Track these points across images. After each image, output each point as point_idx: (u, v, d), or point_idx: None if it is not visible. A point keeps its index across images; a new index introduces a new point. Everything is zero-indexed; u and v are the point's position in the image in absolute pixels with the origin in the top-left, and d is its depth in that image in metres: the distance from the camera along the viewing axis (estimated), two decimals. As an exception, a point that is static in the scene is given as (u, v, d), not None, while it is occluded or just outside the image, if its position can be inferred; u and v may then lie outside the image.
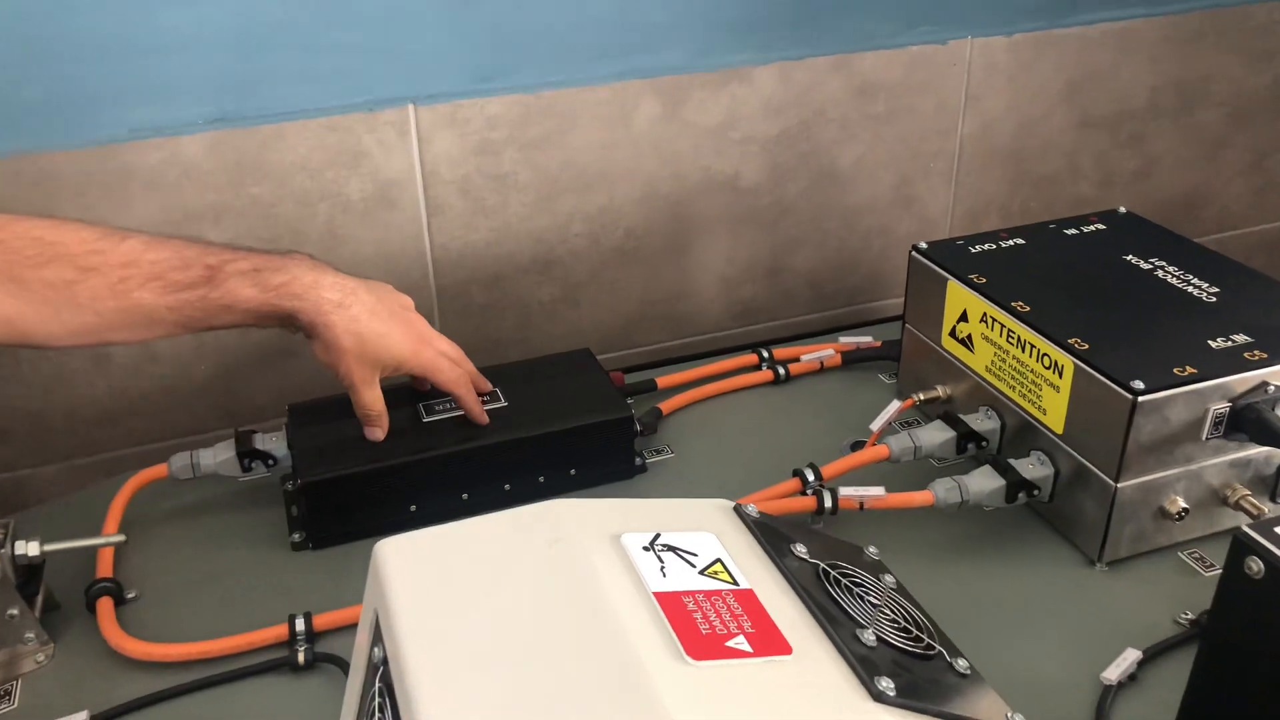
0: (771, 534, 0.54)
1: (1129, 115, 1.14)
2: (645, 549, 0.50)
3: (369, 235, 0.92)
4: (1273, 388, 0.68)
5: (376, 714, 0.46)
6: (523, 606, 0.46)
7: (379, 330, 0.72)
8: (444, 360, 0.76)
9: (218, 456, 0.76)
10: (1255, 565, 0.51)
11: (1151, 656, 0.63)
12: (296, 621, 0.65)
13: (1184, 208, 1.22)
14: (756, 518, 0.56)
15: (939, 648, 0.51)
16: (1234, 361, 0.68)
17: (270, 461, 0.76)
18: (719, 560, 0.51)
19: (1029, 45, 1.06)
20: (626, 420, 0.78)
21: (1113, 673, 0.62)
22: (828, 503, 0.73)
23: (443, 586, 0.47)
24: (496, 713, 0.41)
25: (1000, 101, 1.08)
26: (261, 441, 0.77)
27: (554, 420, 0.77)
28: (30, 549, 0.64)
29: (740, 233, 1.05)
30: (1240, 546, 0.51)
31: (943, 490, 0.72)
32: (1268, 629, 0.51)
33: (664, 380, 0.92)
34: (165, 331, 0.67)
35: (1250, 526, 0.51)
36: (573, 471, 0.78)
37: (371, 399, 0.73)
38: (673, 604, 0.47)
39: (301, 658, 0.63)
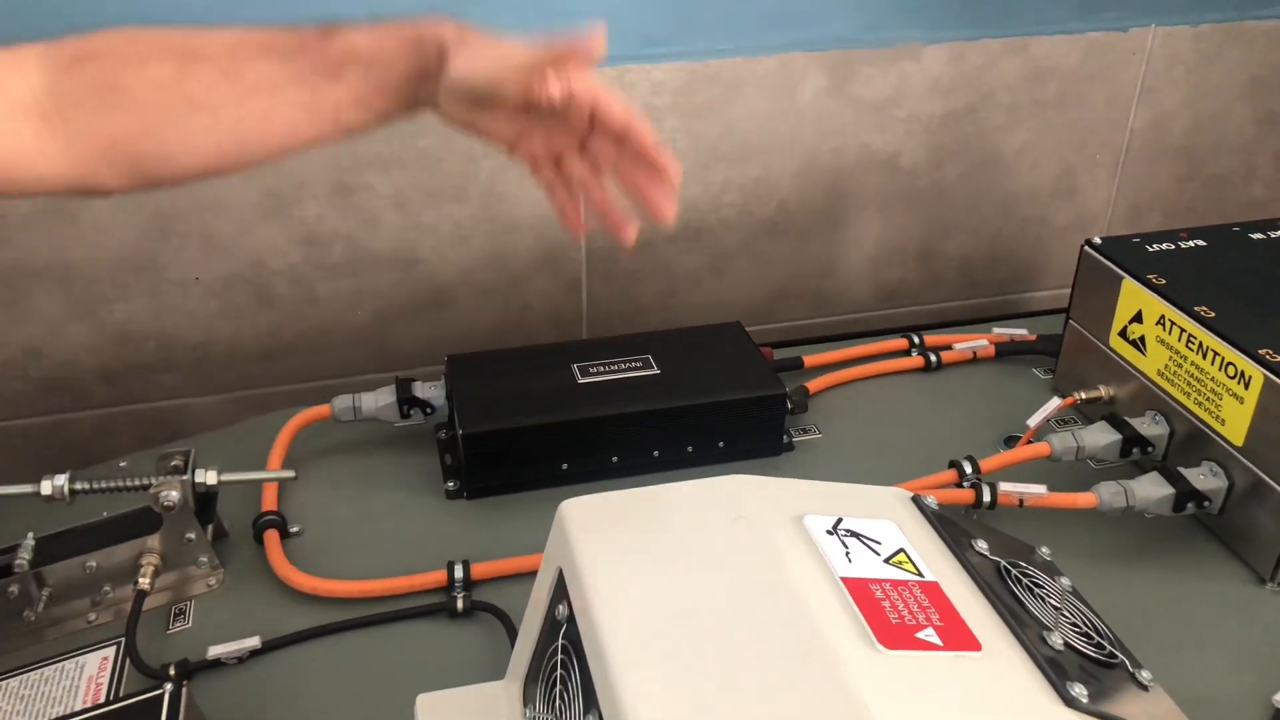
0: (951, 527, 0.53)
1: (1315, 115, 1.08)
2: (829, 532, 0.50)
3: (527, 195, 0.93)
4: None
5: (559, 670, 0.47)
6: (710, 578, 0.46)
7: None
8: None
9: (379, 401, 0.78)
10: None
11: (1327, 685, 0.61)
12: (455, 569, 0.67)
13: (1363, 216, 1.16)
14: (936, 510, 0.55)
15: (1121, 656, 0.50)
16: None
17: (428, 410, 0.78)
18: (902, 550, 0.50)
19: (1214, 36, 1.01)
20: (779, 397, 0.78)
21: (1286, 698, 0.60)
22: (986, 497, 0.71)
23: (630, 550, 0.48)
24: (689, 686, 0.41)
25: (1177, 95, 1.04)
26: (421, 390, 0.78)
27: (707, 392, 0.77)
28: (209, 478, 0.67)
29: (894, 213, 1.03)
30: None
31: (1108, 493, 0.69)
32: None
33: (811, 359, 0.91)
34: (288, 123, 0.54)
35: None
36: (721, 444, 0.78)
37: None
38: (861, 590, 0.46)
39: (460, 604, 0.65)
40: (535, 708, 0.50)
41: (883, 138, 0.99)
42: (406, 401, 0.78)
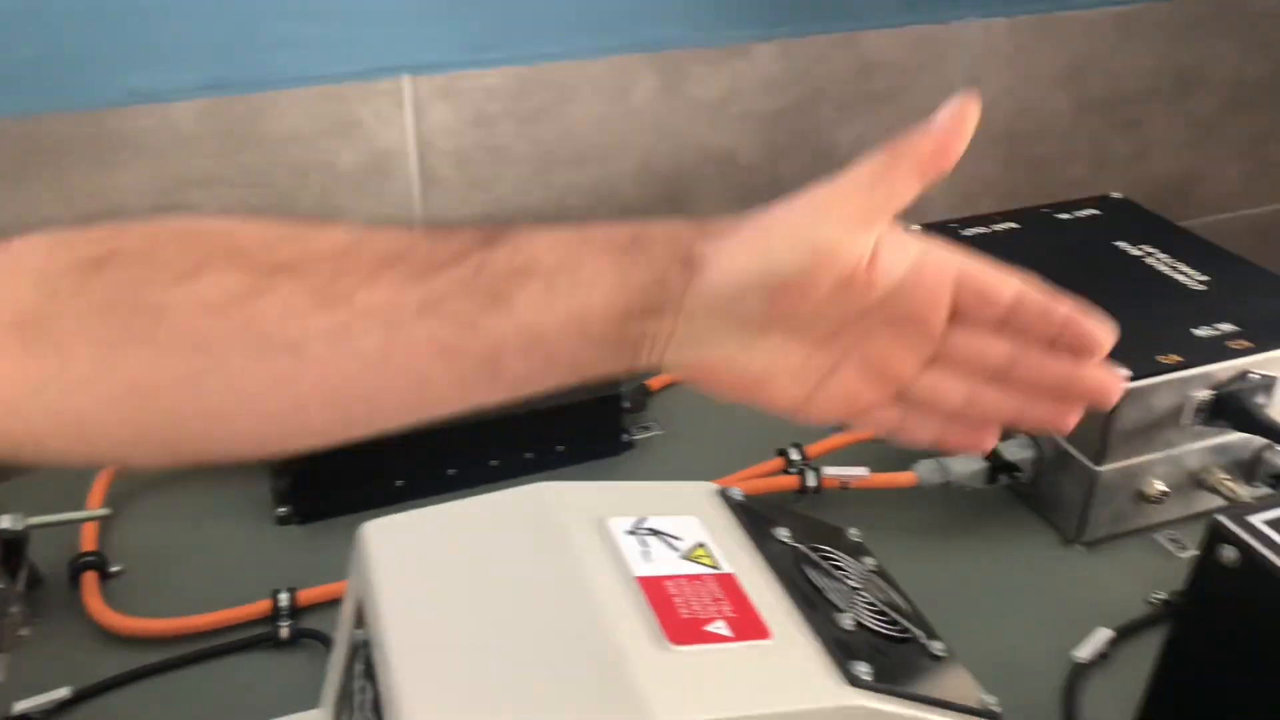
0: (755, 517, 0.55)
1: (1126, 99, 1.14)
2: (629, 533, 0.51)
3: (361, 206, 0.92)
4: (1255, 376, 0.68)
5: (357, 695, 0.47)
6: (505, 591, 0.47)
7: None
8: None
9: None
10: (1230, 554, 0.51)
11: (1123, 635, 0.64)
12: (280, 597, 0.65)
13: (1178, 191, 1.22)
14: (740, 501, 0.56)
15: (915, 631, 0.52)
16: (1218, 350, 0.68)
17: (259, 432, 0.77)
18: (702, 544, 0.51)
19: (1030, 28, 1.06)
20: (614, 398, 0.79)
21: (1084, 651, 0.63)
22: (811, 482, 0.73)
23: (425, 570, 0.48)
24: (473, 698, 0.41)
25: (999, 83, 1.08)
26: (251, 412, 0.77)
27: (541, 397, 0.77)
28: (13, 523, 0.65)
29: (736, 209, 1.05)
30: (1215, 534, 0.52)
31: (925, 471, 0.72)
32: (1238, 616, 0.52)
33: (654, 357, 0.92)
34: (416, 377, 0.36)
35: (1226, 515, 0.52)
36: (560, 448, 0.78)
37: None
38: (655, 588, 0.47)
39: (284, 633, 0.64)
40: (342, 731, 0.50)
41: (719, 136, 1.00)
42: (236, 425, 0.76)
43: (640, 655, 0.43)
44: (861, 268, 0.37)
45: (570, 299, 0.36)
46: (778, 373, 0.40)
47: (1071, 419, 0.40)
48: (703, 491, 0.57)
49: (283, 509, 0.75)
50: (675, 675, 0.43)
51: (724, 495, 0.56)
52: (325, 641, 0.63)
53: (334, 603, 0.66)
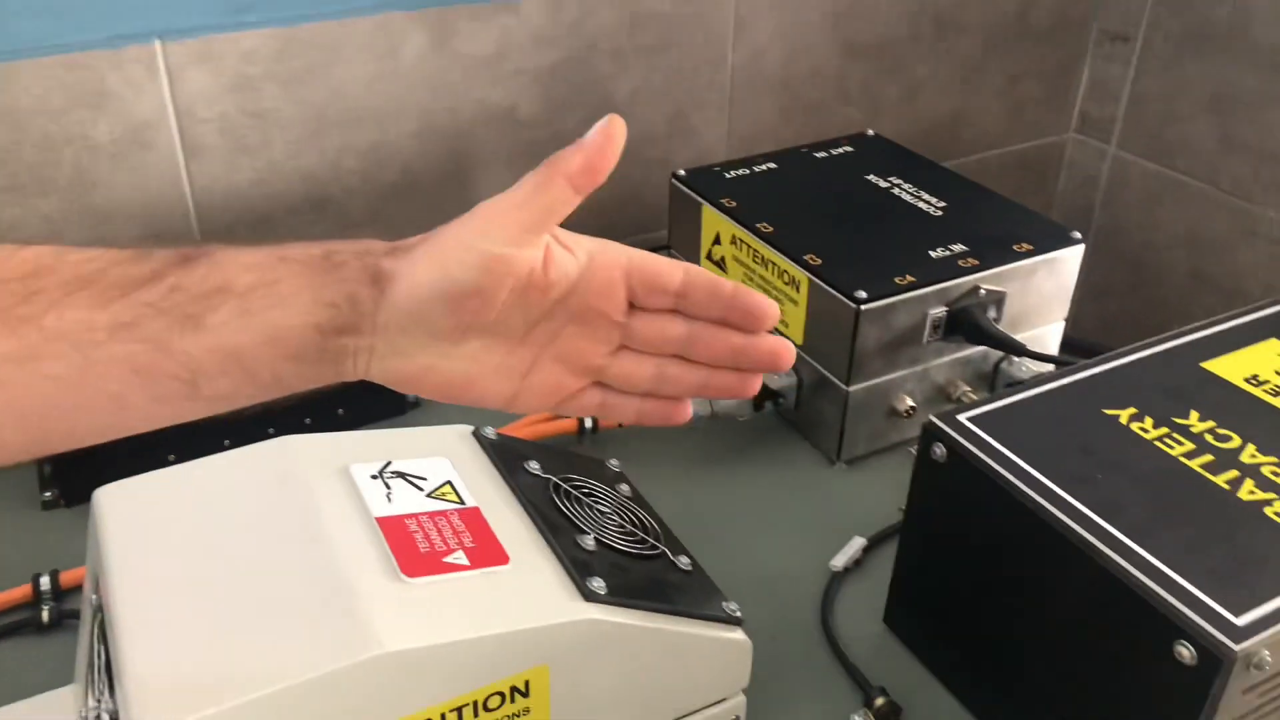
0: (507, 454, 0.57)
1: (890, 43, 1.19)
2: (373, 477, 0.52)
3: (123, 180, 0.88)
4: (984, 291, 0.74)
5: (94, 660, 0.47)
6: (240, 541, 0.47)
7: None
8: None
9: (-42, 416, 0.73)
10: (939, 450, 0.56)
11: (875, 543, 0.69)
12: (41, 580, 0.64)
13: (946, 130, 1.29)
14: (493, 440, 0.58)
15: (662, 548, 0.55)
16: (950, 269, 0.74)
17: (18, 418, 0.74)
18: (448, 482, 0.53)
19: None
20: (393, 356, 0.79)
21: (839, 560, 0.68)
22: (588, 423, 0.75)
23: (159, 528, 0.48)
24: (200, 648, 0.42)
25: (767, 30, 1.12)
26: (6, 398, 0.74)
27: (318, 359, 0.77)
28: None
29: (522, 165, 1.03)
30: (928, 435, 0.57)
31: (694, 403, 0.75)
32: (951, 506, 0.57)
33: (441, 315, 0.92)
34: (108, 398, 0.37)
35: (937, 416, 0.57)
36: (340, 411, 0.78)
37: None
38: (394, 528, 0.48)
39: (46, 616, 0.62)
40: (86, 702, 0.49)
41: (496, 92, 1.01)
42: (-9, 412, 0.73)
43: (372, 589, 0.44)
44: (536, 273, 0.41)
45: (265, 317, 0.37)
46: (482, 374, 0.42)
47: (753, 385, 0.45)
48: (456, 433, 0.58)
49: (48, 493, 0.72)
50: (407, 605, 0.44)
51: (477, 435, 0.58)
52: (87, 620, 0.62)
53: (99, 581, 0.64)
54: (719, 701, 0.54)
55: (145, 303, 0.36)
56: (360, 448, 0.54)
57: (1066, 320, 0.81)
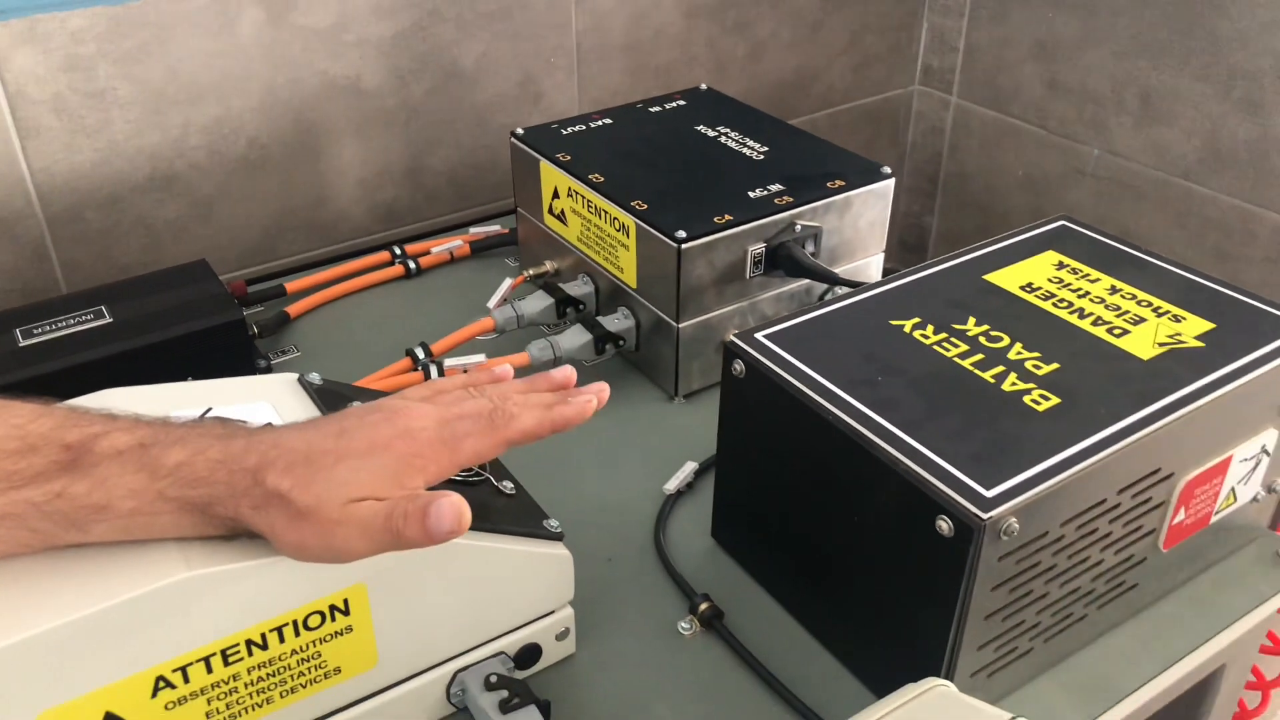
0: (331, 397, 0.59)
1: (731, 3, 1.24)
2: (194, 422, 0.53)
3: (-46, 163, 0.88)
4: (799, 227, 0.79)
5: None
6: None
7: (325, 524, 0.43)
8: (470, 439, 0.48)
9: None
10: (738, 366, 0.60)
11: (706, 468, 0.74)
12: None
13: (794, 87, 1.34)
14: (319, 384, 0.60)
15: (486, 474, 0.58)
16: (767, 207, 0.78)
17: None
18: (268, 424, 0.55)
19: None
20: (237, 323, 0.80)
21: (672, 484, 0.72)
22: (434, 375, 0.78)
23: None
24: (14, 585, 0.43)
25: (609, -6, 1.15)
26: None
27: (159, 330, 0.78)
28: None
29: (371, 136, 1.07)
30: (728, 352, 0.61)
31: (537, 350, 0.79)
32: (753, 419, 0.62)
33: (294, 285, 0.94)
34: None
35: (736, 334, 0.61)
36: (190, 378, 0.79)
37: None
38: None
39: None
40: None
41: (339, 64, 1.02)
42: None
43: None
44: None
45: (146, 534, 0.44)
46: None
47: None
48: (283, 380, 0.60)
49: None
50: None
51: (302, 381, 0.60)
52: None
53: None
54: (547, 614, 0.58)
55: (30, 502, 0.42)
56: (182, 396, 0.56)
57: (885, 252, 0.86)
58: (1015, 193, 1.39)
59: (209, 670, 0.46)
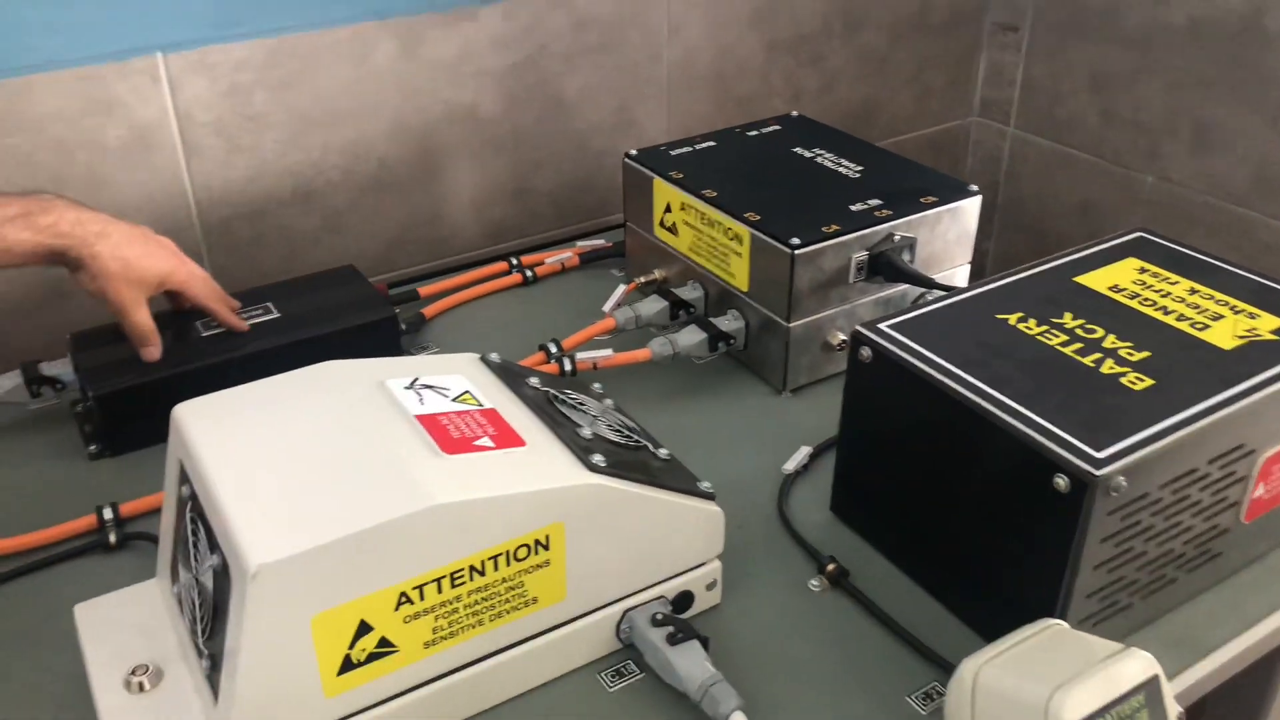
0: (511, 374, 0.68)
1: (807, 38, 1.33)
2: (406, 388, 0.62)
3: (130, 179, 0.97)
4: (898, 237, 0.87)
5: (190, 538, 0.57)
6: (306, 434, 0.58)
7: (139, 252, 0.79)
8: (196, 278, 0.84)
9: (4, 385, 0.82)
10: (865, 352, 0.69)
11: (819, 452, 0.81)
12: (105, 510, 0.73)
13: (862, 117, 1.44)
14: (499, 362, 0.69)
15: (645, 442, 0.67)
16: (868, 219, 0.87)
17: (59, 385, 0.83)
18: (467, 391, 0.64)
19: (718, -20, 1.23)
20: (391, 319, 0.89)
21: (790, 464, 0.80)
22: (567, 366, 0.87)
23: (237, 427, 0.58)
24: (290, 509, 0.52)
25: (699, 31, 1.25)
26: (48, 368, 0.83)
27: (324, 324, 0.87)
28: None
29: (485, 159, 1.17)
30: (856, 340, 0.69)
31: (658, 346, 0.87)
32: (877, 399, 0.70)
33: (425, 290, 1.03)
34: None
35: (863, 325, 0.69)
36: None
37: (142, 318, 0.81)
38: (430, 422, 0.59)
39: (112, 538, 0.71)
40: (179, 580, 0.59)
41: (460, 93, 1.12)
42: (35, 380, 0.82)
43: (420, 463, 0.55)
44: None
45: (21, 265, 0.77)
46: None
47: None
48: (467, 358, 0.69)
49: (93, 446, 0.81)
50: (449, 472, 0.55)
51: (484, 359, 0.69)
52: (153, 539, 0.71)
53: (156, 511, 0.74)
54: (699, 565, 0.66)
55: None
56: (391, 368, 0.64)
57: (970, 264, 0.95)
58: (1070, 218, 1.47)
59: (439, 590, 0.54)
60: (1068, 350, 0.67)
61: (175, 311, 0.86)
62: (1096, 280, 0.75)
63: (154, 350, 0.81)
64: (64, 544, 0.72)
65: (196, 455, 0.55)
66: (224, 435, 0.57)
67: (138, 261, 0.79)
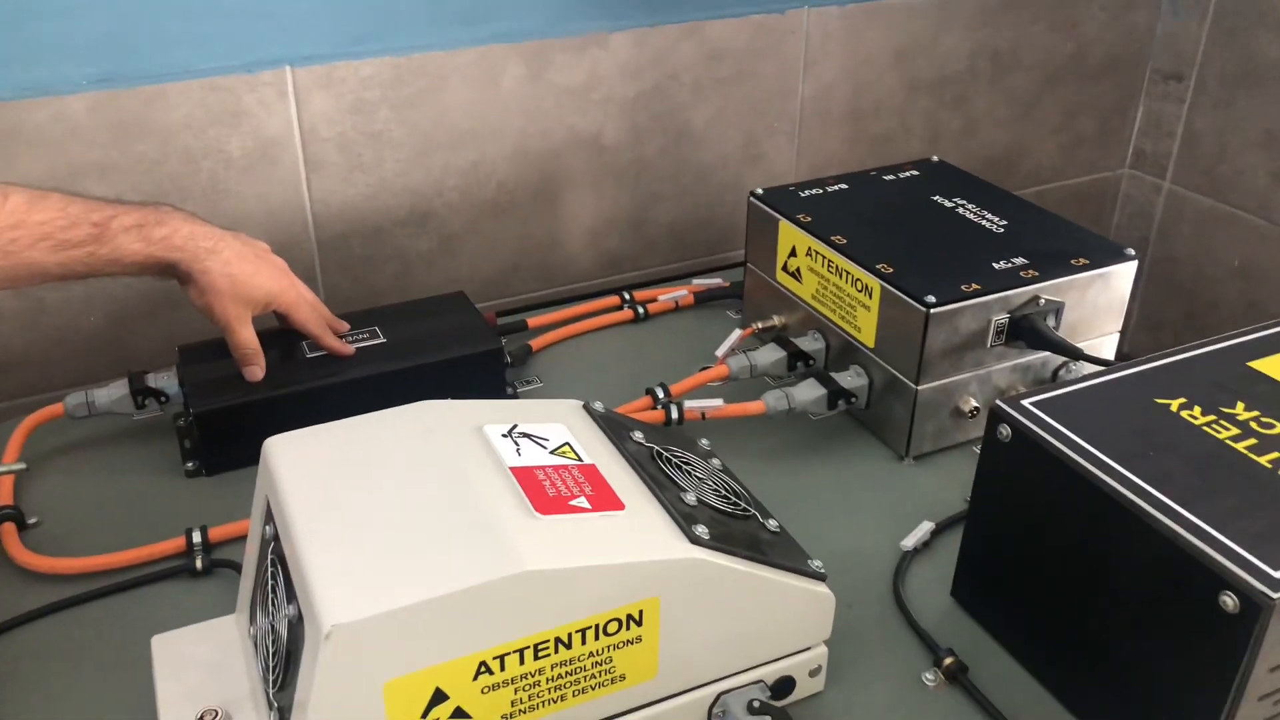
0: (615, 424, 0.64)
1: (951, 79, 1.27)
2: (504, 436, 0.59)
3: (251, 191, 0.97)
4: (1044, 301, 0.80)
5: (269, 582, 0.54)
6: (396, 482, 0.55)
7: (249, 270, 0.78)
8: (304, 301, 0.83)
9: (112, 395, 0.81)
10: (1004, 430, 0.62)
11: (943, 528, 0.75)
12: (194, 534, 0.71)
13: (1004, 162, 1.36)
14: (602, 412, 0.65)
15: (753, 511, 0.62)
16: (1012, 279, 0.80)
17: (163, 399, 0.82)
18: (567, 443, 0.60)
19: (859, 15, 1.18)
20: (496, 351, 0.86)
21: (910, 541, 0.73)
22: (674, 414, 0.82)
23: (326, 469, 0.55)
24: (374, 564, 0.49)
25: (836, 67, 1.19)
26: (154, 380, 0.82)
27: (430, 353, 0.85)
28: (-63, 475, 0.69)
29: (605, 187, 1.14)
30: (994, 416, 0.63)
31: (773, 399, 0.82)
32: (1015, 483, 0.63)
33: (534, 321, 1.00)
34: (49, 282, 0.73)
35: (1002, 400, 0.63)
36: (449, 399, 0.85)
37: (247, 337, 0.80)
38: (526, 476, 0.55)
39: (199, 564, 0.70)
40: (255, 622, 0.56)
41: (584, 119, 1.09)
42: (140, 392, 0.82)
43: (511, 521, 0.52)
44: None
45: (127, 276, 0.77)
46: None
47: None
48: (570, 405, 0.65)
49: (190, 463, 0.80)
50: (541, 535, 0.51)
51: (588, 408, 0.65)
52: (239, 569, 0.69)
53: (244, 539, 0.72)
54: (804, 650, 0.60)
55: (73, 257, 0.72)
56: (490, 412, 0.61)
57: (1121, 334, 0.87)
58: (1228, 282, 1.36)
59: (521, 661, 0.50)
60: (1240, 446, 0.59)
61: (283, 330, 0.85)
62: (1275, 366, 0.67)
63: (257, 370, 0.80)
64: (151, 565, 0.71)
65: (282, 496, 0.53)
66: (312, 477, 0.54)
67: (246, 280, 0.78)
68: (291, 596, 0.50)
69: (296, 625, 0.49)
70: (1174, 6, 1.34)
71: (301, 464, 0.55)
